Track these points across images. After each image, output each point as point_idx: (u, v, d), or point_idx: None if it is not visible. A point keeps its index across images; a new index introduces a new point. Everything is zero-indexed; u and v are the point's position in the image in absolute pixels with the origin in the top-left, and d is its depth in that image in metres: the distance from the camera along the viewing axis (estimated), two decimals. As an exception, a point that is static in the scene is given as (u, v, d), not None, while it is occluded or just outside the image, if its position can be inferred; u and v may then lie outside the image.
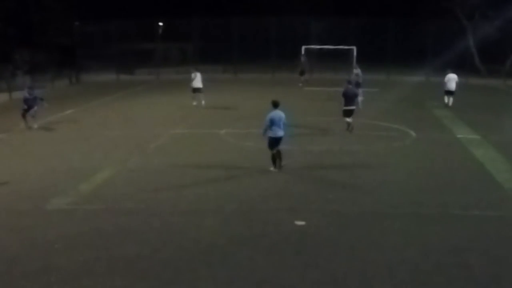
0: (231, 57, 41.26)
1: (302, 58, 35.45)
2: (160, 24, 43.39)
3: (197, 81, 24.75)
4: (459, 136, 18.63)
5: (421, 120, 21.55)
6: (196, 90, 24.69)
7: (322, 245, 9.26)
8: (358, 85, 21.19)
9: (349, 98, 18.54)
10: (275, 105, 13.58)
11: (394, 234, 9.79)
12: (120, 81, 38.39)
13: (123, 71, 40.02)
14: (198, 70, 25.32)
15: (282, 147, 13.71)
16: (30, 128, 19.33)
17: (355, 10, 42.76)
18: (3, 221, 10.43)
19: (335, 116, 19.82)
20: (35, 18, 38.38)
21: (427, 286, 7.91)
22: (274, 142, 13.52)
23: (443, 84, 25.31)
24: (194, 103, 24.49)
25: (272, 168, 13.64)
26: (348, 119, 18.50)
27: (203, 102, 24.18)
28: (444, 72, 25.96)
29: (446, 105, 24.74)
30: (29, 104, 19.41)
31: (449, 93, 24.87)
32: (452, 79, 24.87)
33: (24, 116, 19.48)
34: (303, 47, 37.68)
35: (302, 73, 34.32)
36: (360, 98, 18.79)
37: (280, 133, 13.46)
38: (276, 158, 13.60)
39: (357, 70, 27.13)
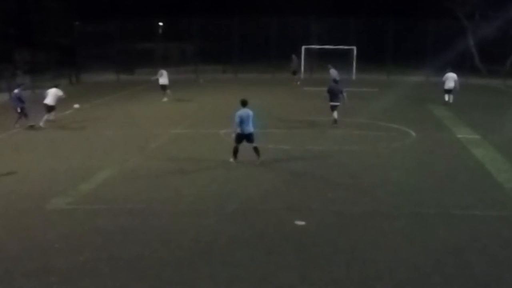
0: (231, 57, 41.26)
1: (293, 58, 36.01)
2: (160, 24, 43.41)
3: (164, 78, 26.68)
4: (459, 136, 18.63)
5: (421, 120, 21.55)
6: (163, 87, 26.65)
7: (322, 245, 9.25)
8: (336, 82, 21.62)
9: (334, 94, 19.68)
10: (244, 103, 14.24)
11: (394, 234, 9.78)
12: (120, 81, 38.40)
13: (123, 71, 40.01)
14: (164, 69, 27.32)
15: (282, 146, 13.71)
16: (33, 127, 19.40)
17: (355, 10, 42.75)
18: (3, 221, 10.41)
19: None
20: (35, 18, 38.40)
21: (427, 286, 7.90)
22: (243, 138, 14.15)
23: (442, 83, 25.76)
24: (165, 99, 26.25)
25: (231, 160, 14.22)
26: (334, 114, 19.52)
27: (165, 99, 26.17)
28: (444, 72, 26.12)
29: (446, 103, 24.99)
30: (23, 102, 19.56)
31: (449, 91, 25.27)
32: (450, 78, 25.28)
33: (25, 115, 19.55)
34: (303, 47, 37.71)
35: (294, 72, 35.58)
36: (344, 94, 19.67)
37: (248, 129, 14.06)
38: (237, 152, 14.20)
39: (332, 70, 28.51)
